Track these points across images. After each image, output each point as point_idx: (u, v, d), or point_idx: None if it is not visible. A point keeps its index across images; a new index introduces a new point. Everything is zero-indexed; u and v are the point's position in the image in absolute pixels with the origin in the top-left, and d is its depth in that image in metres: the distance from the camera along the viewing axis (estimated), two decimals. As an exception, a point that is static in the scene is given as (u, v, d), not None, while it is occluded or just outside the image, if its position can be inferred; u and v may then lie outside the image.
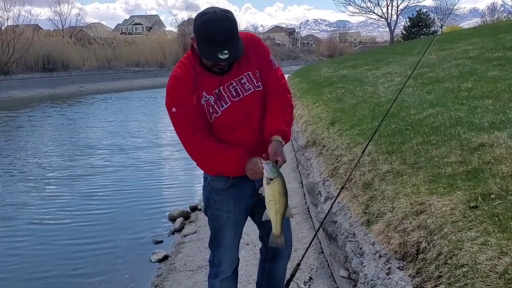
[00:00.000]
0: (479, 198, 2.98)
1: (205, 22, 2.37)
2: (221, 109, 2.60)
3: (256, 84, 2.68)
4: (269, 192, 2.45)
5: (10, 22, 34.36)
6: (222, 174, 2.73)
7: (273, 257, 3.11)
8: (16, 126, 17.05)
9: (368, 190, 4.01)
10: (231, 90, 2.62)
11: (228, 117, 2.61)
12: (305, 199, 6.23)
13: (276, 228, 2.54)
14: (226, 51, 2.38)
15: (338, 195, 3.70)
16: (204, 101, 2.59)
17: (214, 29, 2.35)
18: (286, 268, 3.22)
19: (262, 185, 2.76)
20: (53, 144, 13.44)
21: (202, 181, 2.98)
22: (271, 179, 2.42)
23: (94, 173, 9.80)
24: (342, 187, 3.71)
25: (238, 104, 2.62)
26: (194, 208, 7.29)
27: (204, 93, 2.58)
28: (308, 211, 5.88)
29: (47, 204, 7.84)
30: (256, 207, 2.92)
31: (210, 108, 2.60)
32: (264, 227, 3.00)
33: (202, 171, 2.89)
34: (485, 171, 3.41)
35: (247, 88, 2.64)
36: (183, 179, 9.44)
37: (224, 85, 2.60)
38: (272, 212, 2.49)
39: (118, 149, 12.32)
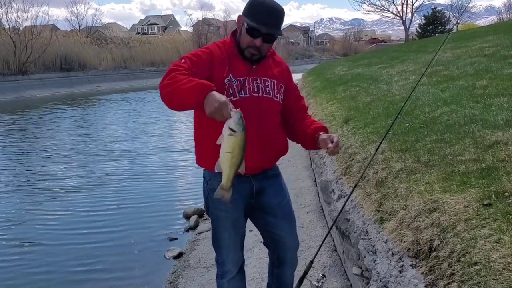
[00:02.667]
0: (493, 196, 2.97)
1: (259, 0, 2.60)
2: (239, 95, 2.66)
3: (276, 95, 2.80)
4: (229, 144, 2.28)
5: (28, 23, 34.83)
6: (183, 104, 2.40)
7: (279, 263, 3.12)
8: (33, 126, 17.22)
9: (381, 188, 4.01)
10: (254, 85, 2.70)
11: (242, 106, 2.56)
12: (319, 197, 6.23)
13: (226, 182, 2.39)
14: (269, 27, 2.57)
15: (351, 193, 3.70)
16: (228, 81, 2.65)
17: (267, 6, 2.57)
18: (294, 274, 3.21)
19: (260, 185, 2.86)
20: (70, 143, 13.57)
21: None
22: (234, 131, 2.26)
23: (110, 172, 9.89)
24: (355, 185, 3.71)
25: (256, 100, 2.70)
26: (208, 206, 7.33)
27: (230, 74, 2.65)
28: (322, 209, 5.88)
29: (64, 203, 7.93)
30: (258, 212, 2.95)
31: (230, 90, 2.65)
32: (268, 234, 3.06)
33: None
34: (499, 169, 3.40)
35: (268, 91, 2.74)
36: (197, 177, 9.46)
37: (250, 77, 2.69)
38: (226, 165, 2.34)
39: (134, 148, 12.42)
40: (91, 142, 13.37)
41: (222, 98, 2.26)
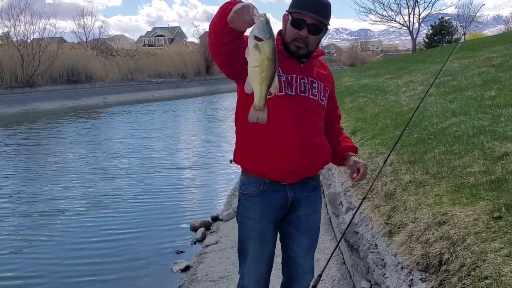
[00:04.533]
0: (503, 209, 2.94)
1: None
2: (285, 91, 2.56)
3: (322, 98, 2.70)
4: (256, 56, 2.00)
5: (36, 35, 35.03)
6: (224, 16, 2.15)
7: (289, 280, 2.93)
8: (39, 138, 17.25)
9: (390, 201, 3.98)
10: (301, 84, 2.61)
11: (286, 103, 2.55)
12: (327, 209, 6.20)
13: (259, 100, 2.12)
14: (315, 14, 2.46)
15: (360, 205, 3.67)
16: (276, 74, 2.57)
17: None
18: None
19: (295, 196, 2.68)
20: (76, 154, 13.56)
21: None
22: (261, 39, 1.98)
23: (115, 184, 9.87)
24: (364, 198, 3.68)
25: (302, 99, 2.60)
26: (215, 218, 7.30)
27: (279, 69, 2.52)
28: (330, 221, 5.85)
29: (70, 214, 7.93)
30: (282, 222, 2.78)
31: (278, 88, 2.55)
32: (284, 246, 2.86)
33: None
34: (509, 180, 3.37)
35: (314, 93, 2.65)
36: (204, 189, 9.46)
37: (298, 75, 2.61)
38: (255, 81, 2.07)
39: (140, 160, 12.39)
40: (97, 157, 13.27)
41: (240, 4, 2.07)
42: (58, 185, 9.86)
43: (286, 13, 2.59)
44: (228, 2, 2.20)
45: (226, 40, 2.24)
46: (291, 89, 2.58)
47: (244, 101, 2.52)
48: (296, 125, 2.55)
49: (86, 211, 8.08)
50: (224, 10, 2.17)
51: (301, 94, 2.60)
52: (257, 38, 1.97)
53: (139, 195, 9.04)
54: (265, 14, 2.00)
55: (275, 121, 2.49)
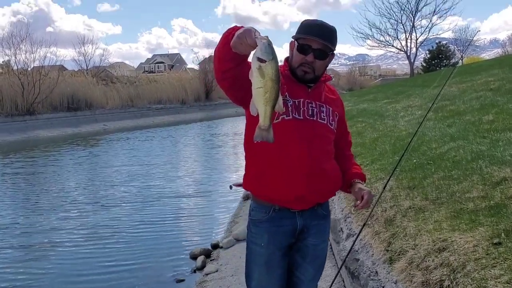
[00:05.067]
0: (502, 234, 2.94)
1: (310, 19, 2.63)
2: (292, 115, 2.56)
3: (331, 122, 2.69)
4: (260, 77, 2.04)
5: (36, 64, 35.27)
6: (227, 43, 2.21)
7: None
8: (36, 166, 17.18)
9: (390, 227, 3.98)
10: (309, 108, 2.61)
11: (294, 127, 2.54)
12: (327, 235, 6.17)
13: (264, 120, 2.14)
14: (320, 39, 2.50)
15: (360, 232, 3.67)
16: (283, 99, 2.48)
17: (318, 23, 2.57)
18: None
19: (305, 224, 2.65)
20: (73, 183, 13.45)
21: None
22: (264, 61, 2.01)
23: (114, 214, 9.80)
24: (364, 224, 3.68)
25: (310, 124, 2.59)
26: (215, 246, 7.26)
27: (286, 93, 2.55)
28: (331, 248, 5.82)
29: (68, 246, 7.87)
30: (298, 254, 2.74)
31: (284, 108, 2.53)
32: (289, 274, 2.79)
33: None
34: (508, 206, 3.37)
35: (322, 117, 2.64)
36: (204, 216, 9.42)
37: (305, 99, 2.61)
38: (260, 102, 2.09)
39: (138, 188, 12.34)
40: (95, 186, 13.09)
41: (242, 29, 2.12)
42: (56, 216, 9.71)
43: (293, 40, 2.62)
44: (230, 28, 2.26)
45: (230, 65, 2.28)
46: (299, 113, 2.56)
47: (253, 125, 2.47)
48: (304, 149, 2.53)
49: (84, 242, 8.01)
50: (226, 37, 2.22)
51: (309, 118, 2.58)
52: (260, 60, 2.00)
53: (138, 224, 8.99)
54: (267, 36, 2.05)
55: (283, 145, 2.50)
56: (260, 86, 2.04)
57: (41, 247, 7.81)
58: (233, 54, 2.20)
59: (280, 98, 2.12)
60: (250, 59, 2.16)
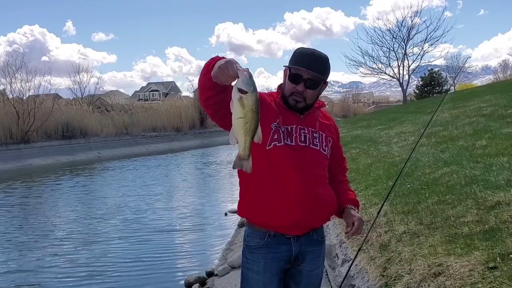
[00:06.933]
0: (498, 259, 2.93)
1: (303, 48, 2.65)
2: (284, 141, 2.56)
3: (324, 148, 2.69)
4: (241, 108, 2.08)
5: (31, 92, 35.34)
6: (207, 72, 2.26)
7: None
8: (31, 196, 17.02)
9: (385, 252, 3.96)
10: (301, 134, 2.61)
11: (286, 153, 2.54)
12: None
13: (243, 150, 2.18)
14: (311, 70, 2.51)
15: (355, 257, 3.65)
16: (274, 126, 2.57)
17: (309, 53, 2.58)
18: None
19: (300, 250, 2.64)
20: (62, 218, 12.91)
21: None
22: (245, 92, 2.06)
23: (107, 239, 9.73)
24: (359, 249, 3.66)
25: (302, 149, 2.59)
26: (210, 274, 7.18)
27: (278, 119, 2.58)
28: (326, 274, 5.78)
29: (58, 273, 7.76)
30: (292, 280, 2.72)
31: (275, 135, 2.56)
32: None
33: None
34: (503, 230, 3.37)
35: (315, 143, 2.64)
36: (198, 244, 9.33)
37: (297, 126, 2.62)
38: (240, 132, 2.14)
39: (132, 215, 12.19)
40: (85, 220, 12.57)
41: (224, 60, 2.15)
42: (41, 253, 9.15)
43: (286, 67, 2.65)
44: (211, 58, 2.30)
45: (210, 94, 2.33)
46: (291, 140, 2.57)
47: None
48: (297, 175, 2.53)
49: (73, 265, 7.90)
50: (207, 66, 2.27)
51: (301, 144, 2.59)
52: (241, 91, 2.05)
53: (132, 251, 8.89)
54: (247, 69, 2.10)
55: (276, 171, 2.52)
56: (241, 116, 2.09)
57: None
58: (213, 84, 2.24)
59: (259, 129, 2.17)
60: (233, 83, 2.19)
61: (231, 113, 2.19)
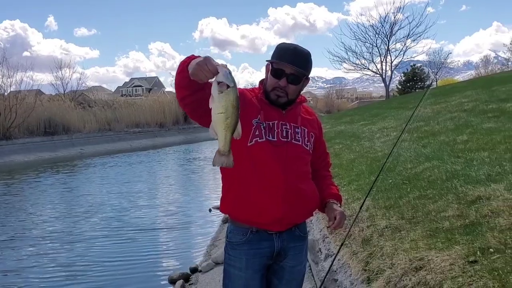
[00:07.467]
0: (478, 253, 2.97)
1: (285, 43, 2.63)
2: (265, 138, 2.56)
3: (306, 143, 2.69)
4: (222, 103, 2.07)
5: (13, 88, 34.93)
6: (182, 70, 2.26)
7: None
8: (11, 193, 16.79)
9: (367, 246, 3.99)
10: (283, 129, 2.61)
11: (268, 149, 2.54)
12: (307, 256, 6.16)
13: (223, 146, 2.17)
14: (293, 65, 2.51)
15: (338, 252, 3.67)
16: (256, 122, 2.56)
17: (292, 48, 2.58)
18: None
19: (282, 246, 2.63)
20: (45, 210, 12.92)
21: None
22: (226, 86, 2.06)
23: (89, 238, 9.63)
24: (342, 244, 3.68)
25: (284, 145, 2.59)
26: (194, 270, 7.17)
27: (259, 115, 2.57)
28: (310, 269, 5.80)
29: (40, 273, 7.68)
30: (275, 276, 2.72)
31: (257, 131, 2.55)
32: None
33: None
34: (483, 224, 3.41)
35: (297, 138, 2.64)
36: (182, 241, 9.30)
37: (279, 121, 2.61)
38: (220, 127, 2.12)
39: (114, 214, 12.09)
40: (67, 210, 12.67)
41: (203, 57, 2.14)
42: (22, 253, 8.94)
43: (268, 62, 2.64)
44: (186, 57, 2.28)
45: (186, 93, 2.32)
46: (273, 135, 2.57)
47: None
48: (279, 171, 2.53)
49: (56, 264, 7.84)
50: (182, 64, 2.25)
51: (283, 140, 2.59)
52: (222, 85, 2.05)
53: (116, 249, 8.84)
54: (226, 65, 2.11)
55: (259, 167, 2.52)
56: (222, 111, 2.08)
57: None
58: (189, 82, 2.23)
59: (239, 125, 2.16)
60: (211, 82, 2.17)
61: (210, 111, 2.17)
